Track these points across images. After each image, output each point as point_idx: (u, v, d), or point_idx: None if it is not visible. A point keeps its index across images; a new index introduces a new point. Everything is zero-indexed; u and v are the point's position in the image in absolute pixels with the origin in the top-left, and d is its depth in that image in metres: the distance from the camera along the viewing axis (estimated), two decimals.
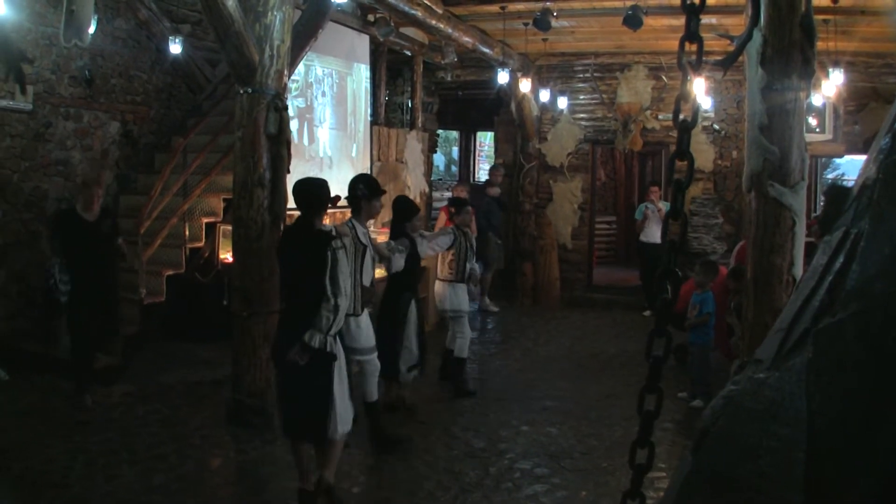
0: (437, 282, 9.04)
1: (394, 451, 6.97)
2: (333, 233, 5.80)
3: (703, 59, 2.13)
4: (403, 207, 7.99)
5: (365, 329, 6.83)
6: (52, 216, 9.31)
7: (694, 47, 2.08)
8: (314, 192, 5.83)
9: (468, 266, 8.79)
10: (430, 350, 8.43)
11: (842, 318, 1.62)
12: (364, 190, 6.82)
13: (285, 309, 6.00)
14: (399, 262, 7.50)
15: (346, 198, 6.84)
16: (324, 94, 11.79)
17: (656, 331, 2.10)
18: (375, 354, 7.01)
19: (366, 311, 6.89)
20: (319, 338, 5.36)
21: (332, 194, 5.98)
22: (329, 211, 6.43)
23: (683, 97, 2.03)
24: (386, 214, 9.60)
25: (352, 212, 6.96)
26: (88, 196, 8.26)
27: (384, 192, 7.12)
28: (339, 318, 5.44)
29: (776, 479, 1.63)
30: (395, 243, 7.55)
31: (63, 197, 10.31)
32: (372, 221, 7.51)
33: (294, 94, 10.54)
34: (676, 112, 2.05)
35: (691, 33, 2.01)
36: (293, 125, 10.38)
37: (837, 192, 7.77)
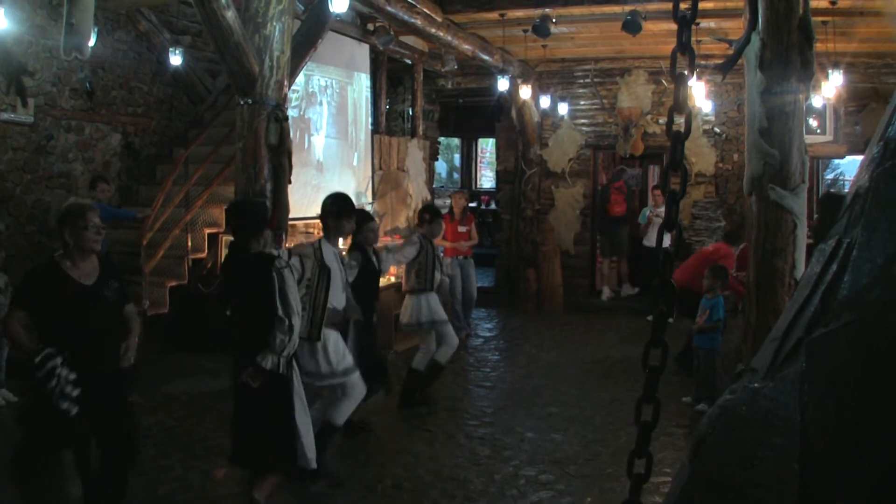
0: (406, 296, 8.56)
1: (324, 481, 6.37)
2: (277, 253, 5.62)
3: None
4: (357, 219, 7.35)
5: (332, 352, 6.36)
6: (23, 278, 5.24)
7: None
8: (250, 213, 5.68)
9: (436, 276, 8.44)
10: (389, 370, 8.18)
11: (834, 327, 1.63)
12: (332, 207, 6.59)
13: (235, 333, 5.60)
14: (350, 276, 7.06)
15: (317, 216, 6.68)
16: (324, 103, 11.81)
17: (652, 340, 2.11)
18: (353, 376, 6.45)
19: (333, 334, 6.45)
20: (273, 359, 5.20)
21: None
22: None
23: (677, 109, 2.04)
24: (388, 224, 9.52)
25: (323, 230, 6.75)
26: (80, 238, 4.84)
27: (354, 212, 6.81)
28: (293, 339, 5.29)
29: (771, 488, 1.64)
30: (347, 258, 7.18)
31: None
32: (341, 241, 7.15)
33: (294, 104, 10.57)
34: (670, 123, 2.06)
35: (683, 45, 2.01)
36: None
37: (831, 199, 7.81)
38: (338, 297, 6.54)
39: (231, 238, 5.78)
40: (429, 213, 8.68)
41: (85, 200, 5.13)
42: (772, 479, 1.65)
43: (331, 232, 6.64)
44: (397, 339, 10.74)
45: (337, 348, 6.40)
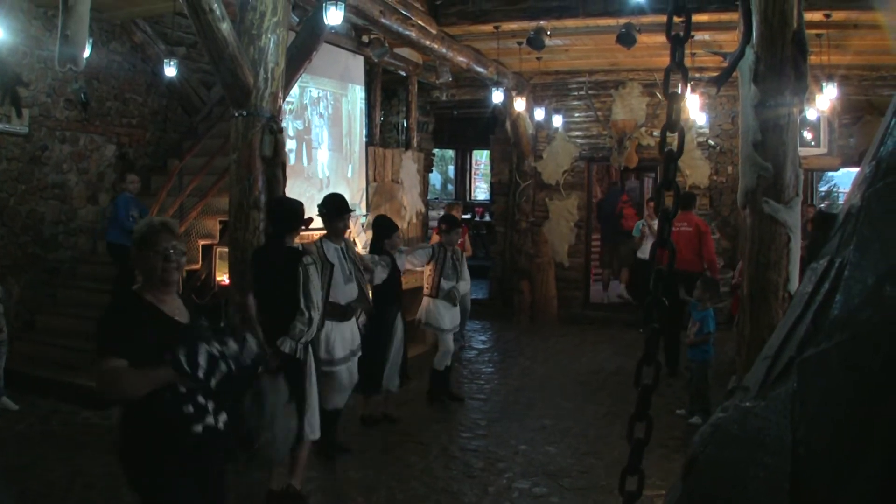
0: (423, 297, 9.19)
1: (334, 458, 7.17)
2: (303, 250, 6.18)
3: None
4: (382, 226, 8.29)
5: (332, 342, 6.81)
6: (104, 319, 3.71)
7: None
8: (292, 210, 6.23)
9: (448, 284, 8.87)
10: (410, 364, 8.67)
11: (826, 347, 1.63)
12: (322, 210, 6.99)
13: (262, 323, 6.12)
14: (381, 274, 7.73)
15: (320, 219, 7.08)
16: (320, 115, 11.81)
17: (645, 358, 2.10)
18: (345, 367, 6.94)
19: (329, 325, 6.74)
20: (290, 344, 5.73)
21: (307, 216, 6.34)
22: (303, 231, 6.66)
23: (670, 127, 2.04)
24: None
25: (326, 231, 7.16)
26: (147, 267, 3.76)
27: (348, 211, 7.15)
28: (311, 330, 5.83)
29: None
30: (377, 258, 7.78)
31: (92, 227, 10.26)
32: (350, 238, 7.58)
33: (290, 116, 10.57)
34: (662, 141, 2.06)
35: (676, 64, 2.01)
36: (291, 146, 10.40)
37: (823, 218, 7.82)
38: (340, 292, 6.92)
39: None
40: (446, 224, 9.10)
41: (160, 217, 3.92)
42: (763, 497, 1.64)
43: (329, 232, 7.03)
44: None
45: (344, 337, 6.91)
